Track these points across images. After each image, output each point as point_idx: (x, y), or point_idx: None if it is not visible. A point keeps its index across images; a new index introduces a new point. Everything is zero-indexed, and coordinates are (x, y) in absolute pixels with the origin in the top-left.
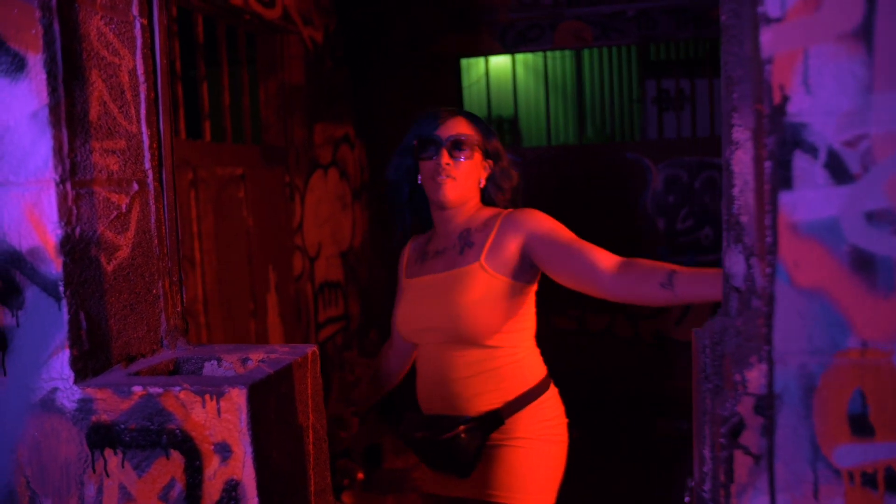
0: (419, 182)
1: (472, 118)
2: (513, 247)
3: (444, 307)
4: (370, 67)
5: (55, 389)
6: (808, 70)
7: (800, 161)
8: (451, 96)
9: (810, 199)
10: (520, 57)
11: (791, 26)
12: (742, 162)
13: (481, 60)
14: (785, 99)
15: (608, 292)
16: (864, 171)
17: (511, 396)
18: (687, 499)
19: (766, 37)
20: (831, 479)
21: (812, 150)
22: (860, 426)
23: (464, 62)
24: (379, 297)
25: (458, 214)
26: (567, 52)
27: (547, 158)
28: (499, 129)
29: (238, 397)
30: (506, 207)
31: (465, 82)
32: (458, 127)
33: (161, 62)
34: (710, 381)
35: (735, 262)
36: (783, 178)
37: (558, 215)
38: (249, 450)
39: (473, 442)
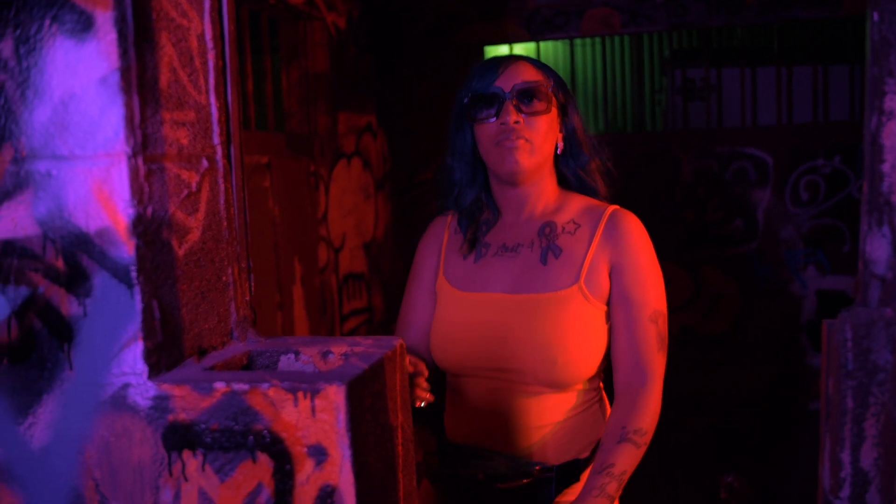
0: (479, 155)
1: (539, 63)
2: (606, 263)
3: (529, 346)
4: (393, 55)
5: (127, 385)
6: None
7: None
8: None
9: None
10: (543, 47)
11: None
12: (895, 134)
13: (506, 48)
14: None
15: (614, 386)
16: None
17: (589, 447)
18: (723, 495)
19: None
20: None
21: None
22: None
23: (489, 50)
24: (402, 290)
25: (536, 193)
26: (595, 40)
27: None
28: None
29: (336, 395)
30: (602, 198)
31: None
32: (524, 72)
33: (229, 28)
34: (853, 377)
35: (878, 246)
36: None
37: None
38: (348, 453)
39: (547, 494)
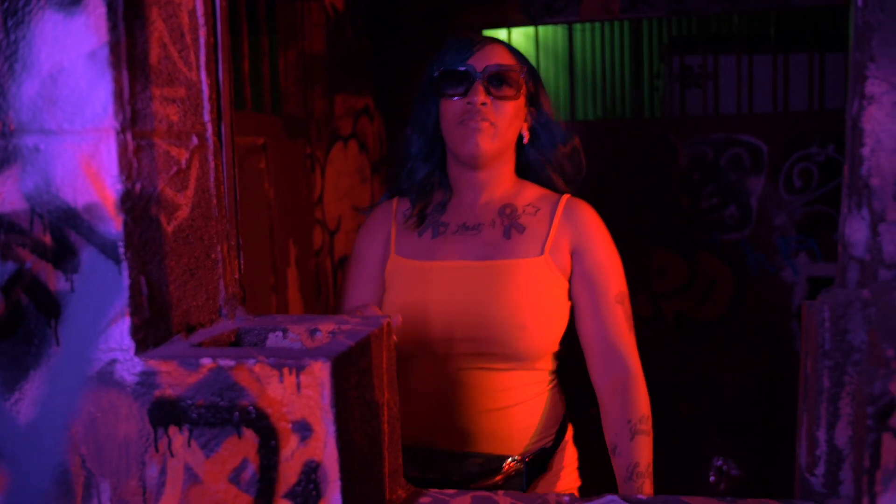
0: (440, 131)
1: (513, 49)
2: (568, 244)
3: (498, 312)
4: (391, 38)
5: (114, 361)
6: None
7: None
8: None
9: None
10: (542, 31)
11: None
12: (875, 119)
13: (504, 33)
14: None
15: (590, 372)
16: None
17: (552, 434)
18: (713, 478)
19: None
20: None
21: None
22: None
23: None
24: None
25: (495, 179)
26: (593, 26)
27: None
28: None
29: (321, 371)
30: (564, 191)
31: None
32: (499, 55)
33: (221, 4)
34: (829, 357)
35: (857, 229)
36: None
37: (578, 191)
38: (332, 429)
39: (518, 486)
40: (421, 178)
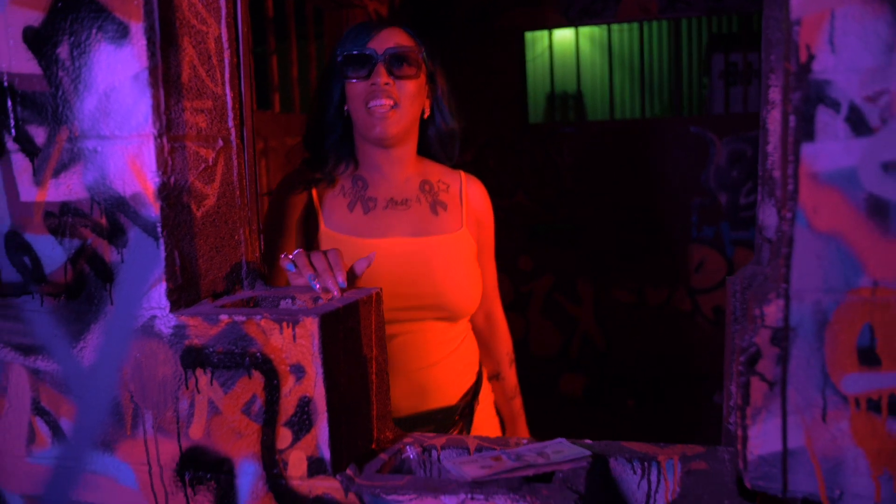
0: (345, 113)
1: (411, 31)
2: (475, 220)
3: (436, 279)
4: (434, 41)
5: (154, 317)
6: (834, 30)
7: (822, 115)
8: (514, 70)
9: (831, 150)
10: (584, 30)
11: None
12: (776, 120)
13: (545, 34)
14: (811, 57)
15: (473, 319)
16: (883, 125)
17: (474, 377)
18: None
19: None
20: (839, 405)
21: (834, 105)
22: (868, 357)
23: (529, 36)
24: None
25: (405, 154)
26: (632, 25)
27: (610, 132)
28: (563, 104)
29: (311, 325)
30: (452, 164)
31: (529, 56)
32: (397, 37)
33: (243, 31)
34: (738, 322)
35: (768, 214)
36: (806, 131)
37: (620, 189)
38: (320, 371)
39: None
40: (332, 156)
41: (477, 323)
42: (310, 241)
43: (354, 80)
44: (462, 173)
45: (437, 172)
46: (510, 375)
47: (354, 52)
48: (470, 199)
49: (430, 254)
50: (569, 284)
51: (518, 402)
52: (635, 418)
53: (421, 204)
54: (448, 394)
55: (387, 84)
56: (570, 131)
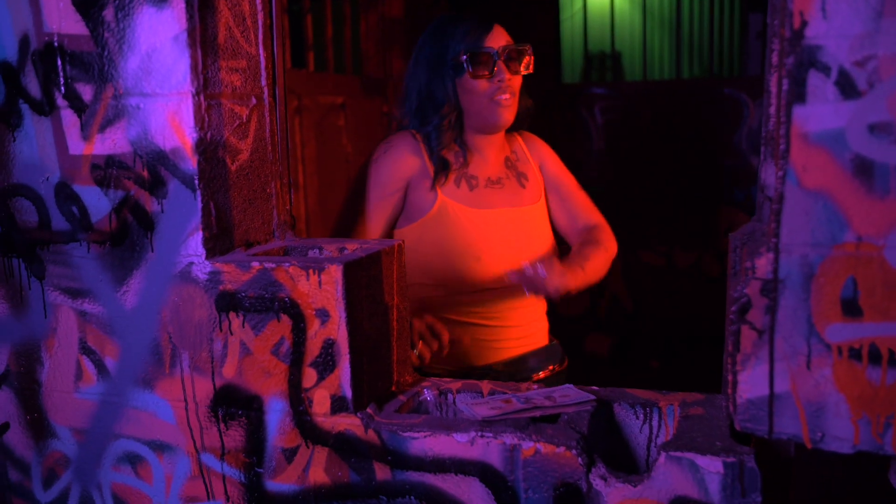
0: (454, 100)
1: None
2: (541, 173)
3: (535, 244)
4: (468, 1)
5: (191, 264)
6: None
7: (814, 79)
8: (549, 29)
9: (821, 112)
10: None
11: None
12: (776, 83)
13: None
14: (804, 24)
15: (572, 242)
16: (870, 88)
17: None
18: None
19: None
20: (823, 353)
21: (825, 69)
22: (850, 309)
23: None
24: None
25: (502, 138)
26: None
27: (642, 93)
28: (600, 64)
29: (336, 272)
30: (516, 128)
31: (565, 15)
32: (504, 35)
33: None
34: (737, 276)
35: (769, 174)
36: (798, 94)
37: (651, 151)
38: (344, 315)
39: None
40: (444, 140)
41: (575, 242)
42: (419, 202)
43: (478, 77)
44: (517, 136)
45: (510, 144)
46: (588, 252)
47: (477, 51)
48: (534, 157)
49: (524, 221)
50: None
51: (577, 265)
52: (659, 379)
53: (510, 180)
54: (525, 346)
55: (509, 80)
56: (602, 92)
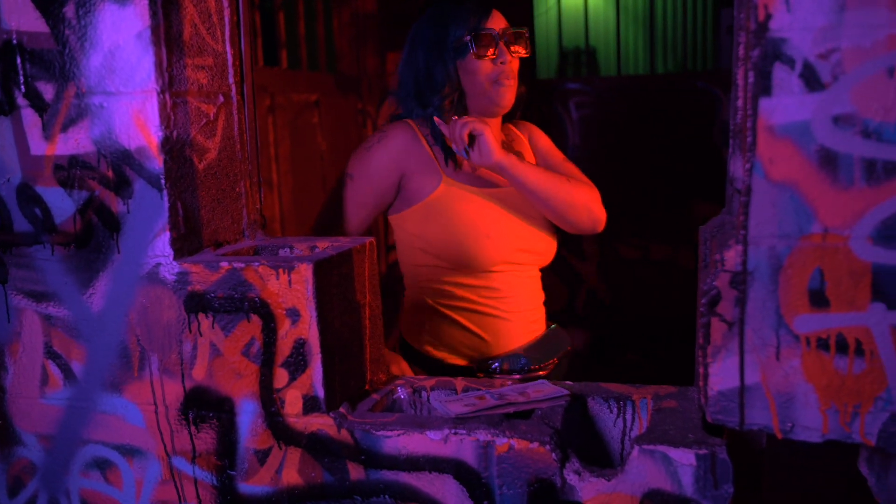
0: (456, 81)
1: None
2: (533, 158)
3: (535, 226)
4: None
5: (158, 264)
6: None
7: (779, 72)
8: (523, 25)
9: (786, 105)
10: None
11: None
12: (743, 76)
13: None
14: (768, 16)
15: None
16: (834, 80)
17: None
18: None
19: None
20: (791, 343)
21: (790, 62)
22: (818, 299)
23: None
24: None
25: (499, 120)
26: None
27: (617, 88)
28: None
29: (306, 271)
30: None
31: (538, 10)
32: (503, 19)
33: None
34: (707, 268)
35: (738, 166)
36: (763, 87)
37: (627, 145)
38: (315, 314)
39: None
40: (434, 111)
41: None
42: (420, 186)
43: (481, 58)
44: (508, 124)
45: (507, 127)
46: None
47: (478, 33)
48: (524, 135)
49: (524, 203)
50: (574, 240)
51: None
52: (638, 373)
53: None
54: (533, 332)
55: (510, 62)
56: (576, 87)
